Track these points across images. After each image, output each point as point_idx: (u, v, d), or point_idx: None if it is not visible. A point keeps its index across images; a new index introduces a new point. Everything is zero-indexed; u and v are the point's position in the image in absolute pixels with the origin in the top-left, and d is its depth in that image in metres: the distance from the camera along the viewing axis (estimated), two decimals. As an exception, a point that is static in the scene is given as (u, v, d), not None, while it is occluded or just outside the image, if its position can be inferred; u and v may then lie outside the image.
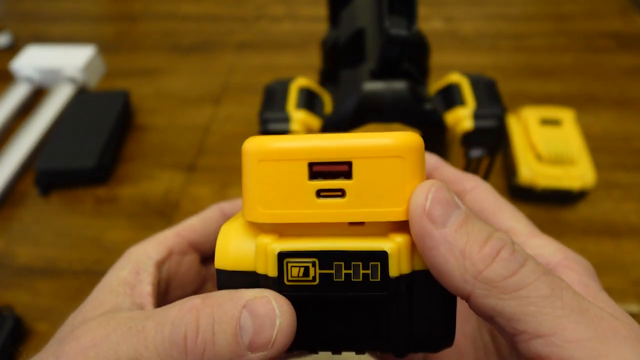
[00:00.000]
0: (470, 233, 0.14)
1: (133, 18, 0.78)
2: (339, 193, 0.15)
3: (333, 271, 0.15)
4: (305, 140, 0.15)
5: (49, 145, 0.52)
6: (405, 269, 0.15)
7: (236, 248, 0.16)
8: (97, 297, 0.19)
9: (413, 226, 0.14)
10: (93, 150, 0.51)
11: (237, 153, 0.61)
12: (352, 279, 0.15)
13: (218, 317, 0.15)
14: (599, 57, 0.62)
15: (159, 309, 0.16)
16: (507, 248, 0.14)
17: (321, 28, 0.72)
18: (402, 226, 0.15)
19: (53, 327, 0.41)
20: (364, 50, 0.34)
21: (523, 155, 0.45)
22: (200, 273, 0.23)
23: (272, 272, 0.15)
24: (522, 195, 0.45)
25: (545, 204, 0.46)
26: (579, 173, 0.43)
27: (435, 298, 0.16)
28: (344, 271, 0.15)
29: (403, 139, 0.15)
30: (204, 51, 0.69)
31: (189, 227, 0.22)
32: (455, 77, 0.36)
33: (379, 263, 0.15)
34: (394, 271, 0.15)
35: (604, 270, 0.41)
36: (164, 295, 0.21)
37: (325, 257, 0.15)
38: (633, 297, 0.39)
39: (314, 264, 0.15)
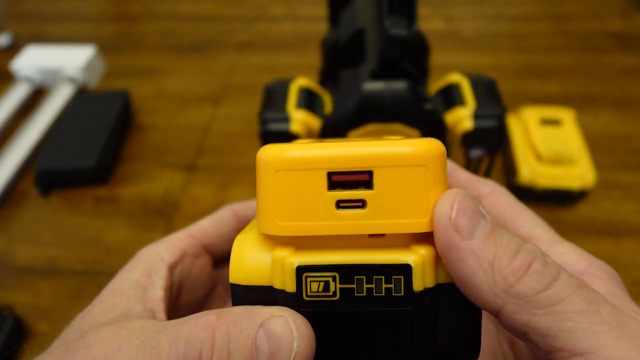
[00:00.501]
0: (499, 245, 0.13)
1: (133, 18, 0.78)
2: (360, 204, 0.14)
3: (354, 285, 0.14)
4: (324, 149, 0.14)
5: (49, 145, 0.52)
6: (429, 282, 0.15)
7: (251, 262, 0.15)
8: (107, 300, 0.18)
9: (438, 237, 0.14)
10: (93, 150, 0.51)
11: (237, 153, 0.61)
12: (375, 294, 0.14)
13: (234, 336, 0.14)
14: (599, 57, 0.62)
15: (172, 323, 0.15)
16: (538, 260, 0.13)
17: (321, 28, 0.72)
18: (424, 237, 0.15)
19: (53, 327, 0.41)
20: (364, 50, 0.33)
21: (523, 155, 0.45)
22: (212, 276, 0.23)
23: (291, 287, 0.14)
24: (522, 196, 0.45)
25: (545, 204, 0.46)
26: (579, 173, 0.43)
27: (461, 311, 0.15)
28: (365, 285, 0.14)
29: (426, 146, 0.14)
30: (204, 51, 0.69)
31: (202, 229, 0.22)
32: (455, 77, 0.36)
33: (402, 277, 0.14)
34: (418, 285, 0.14)
35: (604, 270, 0.41)
36: (176, 298, 0.20)
37: (346, 271, 0.14)
38: (633, 297, 0.39)
39: (334, 279, 0.14)
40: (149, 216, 0.48)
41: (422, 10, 0.73)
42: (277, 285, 0.15)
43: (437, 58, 0.65)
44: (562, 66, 0.61)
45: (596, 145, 0.51)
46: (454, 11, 0.72)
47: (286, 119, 0.34)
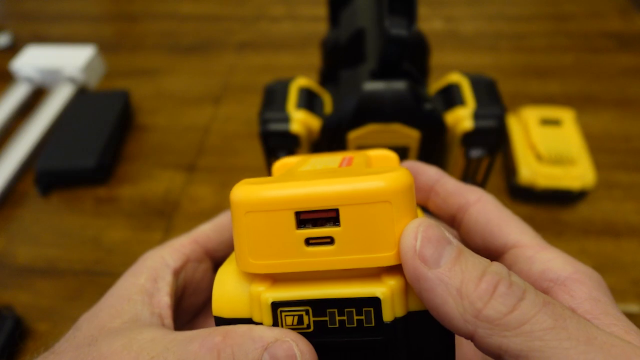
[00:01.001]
0: (465, 270, 0.14)
1: (133, 18, 0.78)
2: (328, 240, 0.15)
3: (327, 318, 0.15)
4: (292, 188, 0.15)
5: (49, 145, 0.52)
6: (399, 312, 0.15)
7: (232, 295, 0.16)
8: (114, 305, 0.18)
9: (406, 269, 0.14)
10: (93, 150, 0.51)
11: (237, 153, 0.61)
12: (347, 325, 0.15)
13: (239, 359, 0.14)
14: (599, 57, 0.62)
15: (179, 340, 0.16)
16: (503, 282, 0.14)
17: (321, 28, 0.72)
18: (395, 266, 0.15)
19: (54, 327, 0.41)
20: (364, 50, 0.33)
21: (523, 155, 0.45)
22: (213, 281, 0.23)
23: (267, 321, 0.15)
24: (522, 196, 0.45)
25: (545, 204, 0.46)
26: (579, 173, 0.43)
27: (435, 337, 0.15)
28: (337, 318, 0.15)
29: (390, 182, 0.14)
30: (204, 51, 0.69)
31: (204, 234, 0.22)
32: (455, 77, 0.36)
33: (372, 309, 0.15)
34: (387, 316, 0.15)
35: (604, 270, 0.41)
36: (179, 301, 0.21)
37: (318, 305, 0.15)
38: (633, 297, 0.39)
39: (307, 312, 0.15)
40: (149, 216, 0.48)
41: (422, 10, 0.73)
42: (256, 318, 0.15)
43: (437, 58, 0.65)
44: (562, 66, 0.61)
45: (596, 145, 0.51)
46: (454, 11, 0.72)
47: (286, 119, 0.34)
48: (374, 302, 0.15)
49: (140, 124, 0.59)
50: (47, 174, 0.50)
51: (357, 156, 0.21)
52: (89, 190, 0.51)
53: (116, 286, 0.19)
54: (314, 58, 0.67)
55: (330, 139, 0.34)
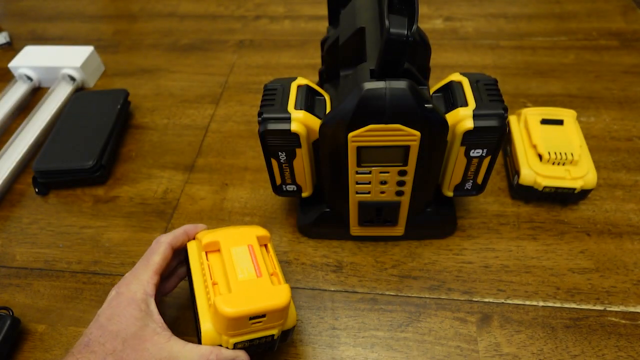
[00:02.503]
0: None
1: (132, 17, 0.78)
2: (262, 318, 0.30)
3: (253, 343, 0.32)
4: (248, 306, 0.30)
5: (47, 144, 0.52)
6: None
7: (213, 337, 0.31)
8: (128, 323, 0.30)
9: None
10: (92, 150, 0.50)
11: (237, 153, 0.61)
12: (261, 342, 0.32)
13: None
14: (601, 56, 0.62)
15: (189, 348, 0.30)
16: None
17: (321, 27, 0.72)
18: None
19: (52, 328, 0.41)
20: (364, 49, 0.33)
21: (524, 155, 0.44)
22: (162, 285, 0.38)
23: (230, 347, 0.31)
24: (523, 196, 0.45)
25: (546, 204, 0.45)
26: (580, 173, 0.42)
27: None
28: (257, 342, 0.32)
29: (286, 301, 0.30)
30: (203, 50, 0.69)
31: (159, 265, 0.34)
32: (456, 77, 0.36)
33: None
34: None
35: (605, 270, 0.40)
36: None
37: (249, 342, 0.31)
38: (635, 298, 0.38)
39: (244, 344, 0.32)
40: (148, 216, 0.48)
41: (423, 10, 0.73)
42: (224, 345, 0.31)
43: (437, 57, 0.65)
44: (564, 65, 0.61)
45: (597, 145, 0.51)
46: (454, 10, 0.72)
47: (286, 119, 0.34)
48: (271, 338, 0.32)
49: (139, 123, 0.58)
50: (45, 173, 0.50)
51: (258, 256, 0.33)
52: (87, 190, 0.51)
53: (120, 314, 0.31)
54: (314, 58, 0.67)
55: (330, 139, 0.34)
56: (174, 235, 0.36)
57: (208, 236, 0.34)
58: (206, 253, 0.33)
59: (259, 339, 0.31)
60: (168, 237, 0.36)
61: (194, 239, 0.37)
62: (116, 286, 0.33)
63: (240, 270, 0.31)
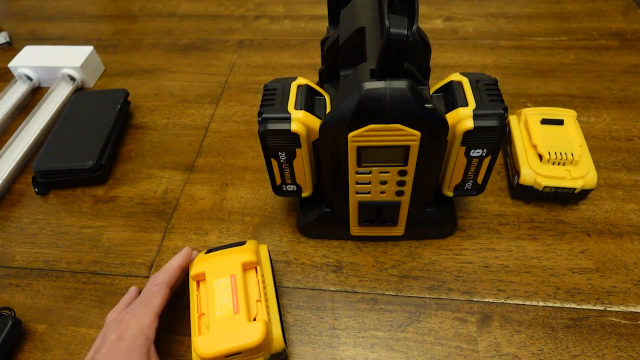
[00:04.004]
0: None
1: (131, 17, 0.78)
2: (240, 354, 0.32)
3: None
4: (225, 345, 0.31)
5: (47, 144, 0.52)
6: None
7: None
8: None
9: None
10: (91, 150, 0.50)
11: (237, 153, 0.61)
12: None
13: None
14: (601, 56, 0.62)
15: None
16: None
17: (321, 27, 0.72)
18: None
19: (52, 328, 0.41)
20: (364, 49, 0.33)
21: (524, 155, 0.44)
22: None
23: None
24: (523, 195, 0.45)
25: (546, 204, 0.45)
26: (580, 173, 0.42)
27: None
28: None
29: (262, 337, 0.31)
30: (203, 50, 0.69)
31: (159, 308, 0.34)
32: (456, 77, 0.36)
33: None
34: None
35: (605, 270, 0.40)
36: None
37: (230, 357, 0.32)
38: (635, 297, 0.38)
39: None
40: (147, 216, 0.48)
41: (423, 10, 0.73)
42: None
43: (437, 57, 0.65)
44: (564, 65, 0.61)
45: (598, 145, 0.51)
46: (454, 10, 0.72)
47: (286, 119, 0.34)
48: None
49: (139, 123, 0.58)
50: (44, 173, 0.50)
51: (239, 288, 0.34)
52: (87, 190, 0.51)
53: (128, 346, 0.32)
54: (314, 58, 0.67)
55: (330, 139, 0.34)
56: (169, 274, 0.37)
57: (196, 267, 0.36)
58: (197, 282, 0.36)
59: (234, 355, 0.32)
60: (164, 277, 0.36)
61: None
62: (114, 326, 0.33)
63: (219, 307, 0.33)
